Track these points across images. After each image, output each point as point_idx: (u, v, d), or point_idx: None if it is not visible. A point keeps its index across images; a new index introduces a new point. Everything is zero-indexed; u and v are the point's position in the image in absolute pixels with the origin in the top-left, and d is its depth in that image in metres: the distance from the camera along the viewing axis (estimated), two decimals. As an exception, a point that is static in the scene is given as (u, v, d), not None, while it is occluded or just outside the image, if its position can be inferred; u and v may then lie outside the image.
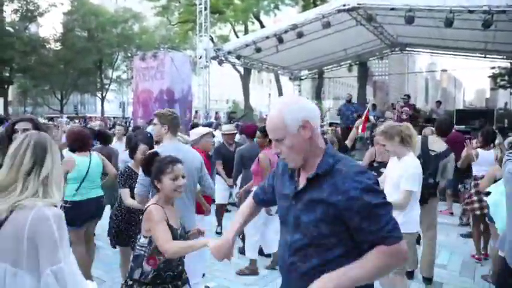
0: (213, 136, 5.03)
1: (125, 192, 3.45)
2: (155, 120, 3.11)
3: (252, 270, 4.26)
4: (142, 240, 2.20)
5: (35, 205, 1.45)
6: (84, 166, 3.74)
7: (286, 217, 1.56)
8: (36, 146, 1.57)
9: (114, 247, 3.76)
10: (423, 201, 3.92)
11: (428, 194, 3.85)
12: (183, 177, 2.27)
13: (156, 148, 3.05)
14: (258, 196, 1.86)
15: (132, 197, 3.32)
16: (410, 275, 4.02)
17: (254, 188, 2.08)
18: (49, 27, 68.85)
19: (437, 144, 4.06)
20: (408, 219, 3.04)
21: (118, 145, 6.57)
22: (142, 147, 3.56)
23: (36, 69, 30.54)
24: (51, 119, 20.54)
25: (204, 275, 3.74)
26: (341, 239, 1.43)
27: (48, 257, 1.42)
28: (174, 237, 2.13)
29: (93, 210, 3.81)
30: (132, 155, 3.67)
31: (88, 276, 3.87)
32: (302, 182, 1.52)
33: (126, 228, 3.58)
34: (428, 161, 3.89)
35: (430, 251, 4.01)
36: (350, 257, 1.40)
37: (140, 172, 2.81)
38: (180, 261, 2.27)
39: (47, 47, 33.26)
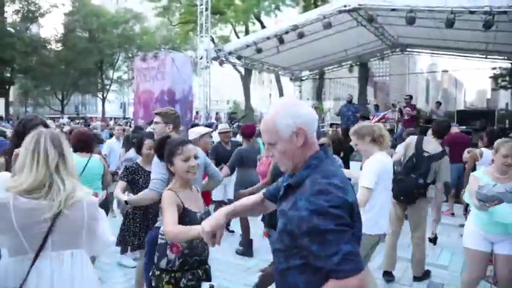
0: (211, 137, 5.05)
1: (119, 184, 3.35)
2: (157, 119, 3.04)
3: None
4: (163, 228, 2.18)
5: (83, 197, 1.68)
6: (80, 166, 3.73)
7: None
8: (53, 140, 1.64)
9: (133, 250, 3.75)
10: (411, 200, 3.95)
11: (417, 193, 3.88)
12: (196, 157, 2.24)
13: None
14: (269, 190, 1.75)
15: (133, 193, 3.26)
16: (389, 274, 4.03)
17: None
18: (50, 28, 68.89)
19: (432, 146, 4.07)
20: (365, 220, 2.99)
21: (117, 144, 6.62)
22: (147, 141, 3.57)
23: (37, 69, 30.60)
24: (52, 119, 20.56)
25: None
26: (301, 252, 1.36)
27: (104, 234, 1.82)
28: (193, 221, 2.07)
29: None
30: (139, 151, 3.66)
31: None
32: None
33: (141, 228, 3.49)
34: (421, 162, 3.93)
35: (419, 250, 4.04)
36: (309, 267, 1.35)
37: (160, 167, 2.67)
38: (206, 245, 2.21)
39: (48, 47, 33.33)
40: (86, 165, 3.78)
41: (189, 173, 2.21)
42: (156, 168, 2.73)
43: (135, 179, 3.43)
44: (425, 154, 3.96)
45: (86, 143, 3.86)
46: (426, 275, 4.11)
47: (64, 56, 32.22)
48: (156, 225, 2.52)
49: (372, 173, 2.92)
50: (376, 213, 2.99)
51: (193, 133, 4.12)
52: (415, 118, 11.02)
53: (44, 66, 30.59)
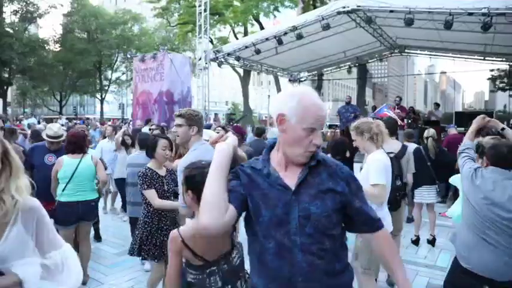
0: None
1: (151, 193, 3.15)
2: (180, 121, 2.75)
3: None
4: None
5: (26, 199, 1.49)
6: (71, 168, 3.79)
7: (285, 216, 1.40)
8: None
9: (144, 258, 3.48)
10: (397, 206, 3.81)
11: (399, 196, 3.84)
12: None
13: (188, 154, 2.75)
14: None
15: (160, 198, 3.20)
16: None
17: None
18: (49, 29, 68.79)
19: (390, 145, 3.98)
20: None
21: (110, 145, 6.49)
22: (162, 141, 3.34)
23: (35, 70, 30.56)
24: (50, 120, 20.52)
25: None
26: (340, 227, 1.51)
27: (51, 240, 1.56)
28: None
29: (79, 212, 3.81)
30: (151, 154, 3.36)
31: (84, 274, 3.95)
32: (294, 175, 1.45)
33: (155, 237, 3.20)
34: (392, 164, 3.89)
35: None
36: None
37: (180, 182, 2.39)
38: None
39: (47, 48, 33.29)
40: (78, 166, 3.82)
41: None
42: None
43: (154, 184, 3.22)
44: (391, 155, 3.91)
45: (77, 144, 3.90)
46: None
47: (62, 56, 32.19)
48: None
49: (379, 170, 2.92)
50: (386, 211, 3.03)
51: (205, 135, 4.12)
52: (414, 120, 11.05)
53: (42, 67, 30.57)
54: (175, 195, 3.11)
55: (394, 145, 4.12)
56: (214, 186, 1.36)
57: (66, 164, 3.80)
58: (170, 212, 3.25)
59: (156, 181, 3.21)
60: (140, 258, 3.51)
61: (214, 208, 1.32)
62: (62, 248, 1.58)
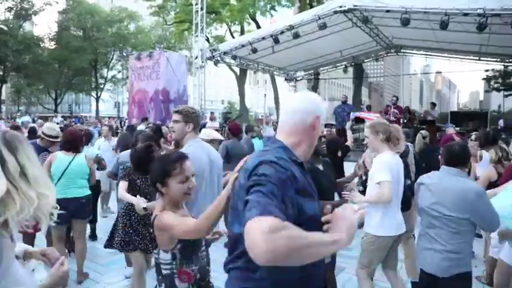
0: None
1: (122, 185, 3.21)
2: (177, 117, 2.81)
3: None
4: (164, 256, 1.85)
5: None
6: (64, 164, 3.83)
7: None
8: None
9: (121, 251, 3.53)
10: (409, 205, 3.80)
11: (410, 195, 3.81)
12: (193, 175, 1.93)
13: (181, 150, 2.72)
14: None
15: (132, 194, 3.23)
16: None
17: None
18: (44, 26, 68.36)
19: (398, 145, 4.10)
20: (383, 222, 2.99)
21: (106, 145, 6.47)
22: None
23: (30, 68, 30.35)
24: (45, 118, 20.38)
25: None
26: None
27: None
28: (193, 244, 1.89)
29: (71, 209, 3.80)
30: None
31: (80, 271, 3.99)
32: None
33: (136, 230, 3.30)
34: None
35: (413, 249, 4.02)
36: None
37: None
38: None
39: (42, 45, 33.06)
40: (70, 163, 3.85)
41: (187, 195, 1.89)
42: None
43: (134, 179, 3.30)
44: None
45: (72, 143, 3.94)
46: None
47: (58, 54, 31.99)
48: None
49: (383, 168, 2.92)
50: (395, 210, 3.03)
51: (204, 134, 4.14)
52: (409, 119, 11.10)
53: (37, 65, 30.36)
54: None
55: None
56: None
57: (59, 159, 3.84)
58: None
59: (136, 176, 3.28)
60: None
61: None
62: None
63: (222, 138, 4.65)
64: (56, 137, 4.33)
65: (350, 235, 1.23)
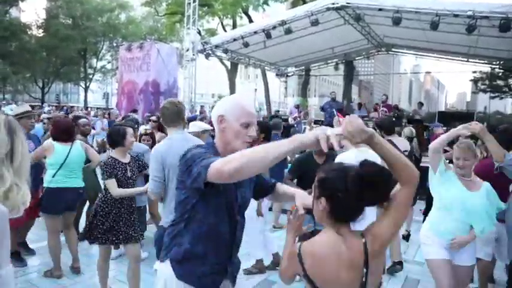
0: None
1: (110, 183, 3.22)
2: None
3: (259, 268, 4.25)
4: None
5: None
6: (63, 153, 3.80)
7: None
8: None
9: (91, 243, 3.48)
10: (414, 201, 4.12)
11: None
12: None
13: (164, 140, 2.87)
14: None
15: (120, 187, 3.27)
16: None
17: None
18: (32, 13, 66.80)
19: (402, 143, 4.37)
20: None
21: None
22: (129, 130, 3.39)
23: (16, 55, 29.68)
24: (32, 107, 20.00)
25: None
26: None
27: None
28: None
29: (69, 199, 3.81)
30: (122, 142, 3.33)
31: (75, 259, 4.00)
32: None
33: (111, 225, 3.26)
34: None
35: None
36: None
37: (151, 168, 2.72)
38: None
39: (29, 33, 32.32)
40: (69, 152, 3.82)
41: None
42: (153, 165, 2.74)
43: (116, 173, 3.28)
44: (405, 153, 4.15)
45: (65, 132, 3.88)
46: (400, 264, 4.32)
47: (46, 42, 31.31)
48: (160, 223, 2.52)
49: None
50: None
51: (195, 126, 4.18)
52: (397, 118, 11.21)
53: (24, 52, 29.68)
54: (147, 179, 3.12)
55: (405, 143, 4.47)
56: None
57: (57, 151, 3.78)
58: (127, 200, 3.32)
59: (118, 169, 3.28)
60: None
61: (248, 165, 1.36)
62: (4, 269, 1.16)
63: (211, 128, 4.63)
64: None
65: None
